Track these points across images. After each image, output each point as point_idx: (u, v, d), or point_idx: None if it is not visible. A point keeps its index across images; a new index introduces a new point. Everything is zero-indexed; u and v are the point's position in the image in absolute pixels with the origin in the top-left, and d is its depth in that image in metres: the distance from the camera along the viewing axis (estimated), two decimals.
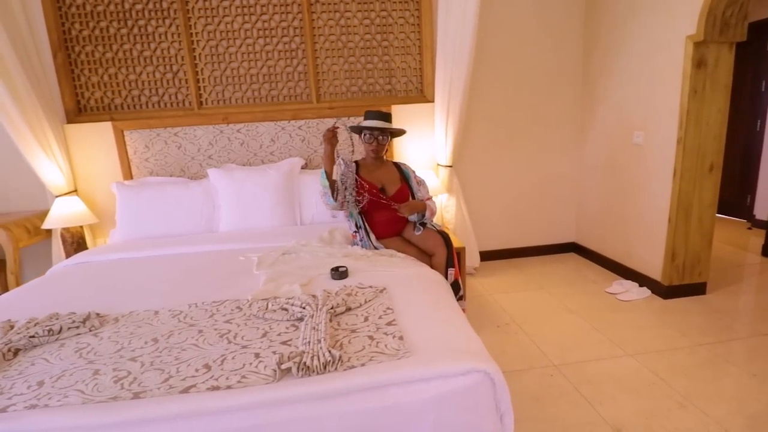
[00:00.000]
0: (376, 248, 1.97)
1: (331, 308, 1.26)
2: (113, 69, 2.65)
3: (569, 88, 3.07)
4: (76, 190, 2.73)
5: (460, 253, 2.44)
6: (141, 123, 2.65)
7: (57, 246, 2.59)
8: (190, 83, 2.70)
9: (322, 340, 1.06)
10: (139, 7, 2.59)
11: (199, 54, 2.68)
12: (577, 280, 2.79)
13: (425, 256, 1.95)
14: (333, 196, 1.90)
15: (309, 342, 1.06)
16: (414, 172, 2.15)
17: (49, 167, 2.52)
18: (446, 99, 2.63)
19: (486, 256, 3.19)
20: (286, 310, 1.30)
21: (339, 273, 1.59)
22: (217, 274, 1.78)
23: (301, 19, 2.70)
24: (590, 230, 3.16)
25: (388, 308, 1.27)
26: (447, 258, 1.86)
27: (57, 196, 2.59)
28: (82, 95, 2.68)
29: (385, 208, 1.95)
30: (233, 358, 1.06)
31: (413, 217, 2.01)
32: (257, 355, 1.06)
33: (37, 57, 2.47)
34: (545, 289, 2.68)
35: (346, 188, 1.90)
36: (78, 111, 2.69)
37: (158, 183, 2.56)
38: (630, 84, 2.62)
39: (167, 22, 2.62)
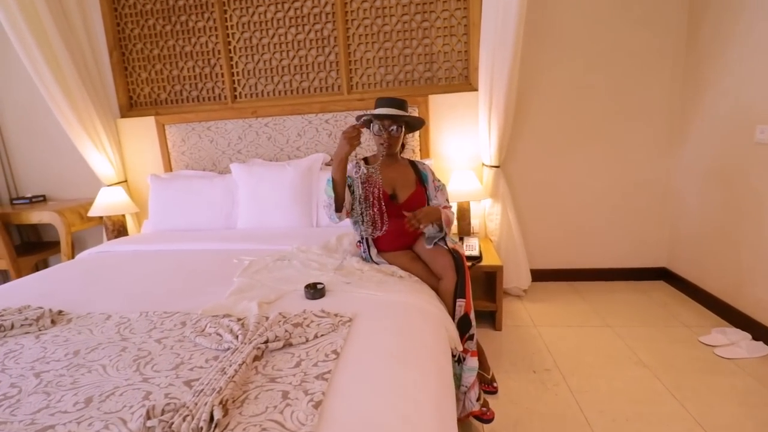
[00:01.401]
0: (376, 263, 1.66)
1: (265, 342, 1.00)
2: (159, 65, 2.73)
3: (663, 69, 2.38)
4: (125, 181, 2.89)
5: (496, 274, 2.01)
6: (179, 117, 2.70)
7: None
8: (225, 76, 2.67)
9: (217, 391, 0.80)
10: (181, 3, 2.62)
11: (234, 47, 2.63)
12: (660, 320, 2.14)
13: (436, 278, 1.59)
14: (339, 210, 1.56)
15: (203, 390, 0.82)
16: (433, 173, 1.79)
17: (99, 159, 2.68)
18: (488, 86, 2.20)
19: (540, 275, 2.66)
20: (220, 335, 1.08)
21: (314, 291, 1.33)
22: (203, 276, 1.65)
23: (333, 4, 2.49)
24: (687, 254, 2.43)
25: (333, 351, 0.97)
26: (456, 285, 1.47)
27: (107, 186, 2.76)
28: (133, 91, 2.81)
29: (392, 216, 1.63)
30: (122, 394, 0.87)
31: (429, 230, 1.65)
32: (147, 396, 0.85)
33: (92, 56, 2.64)
34: (612, 327, 2.09)
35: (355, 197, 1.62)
36: (130, 106, 2.84)
37: (187, 176, 2.57)
38: (754, 60, 1.90)
39: (205, 16, 2.62)
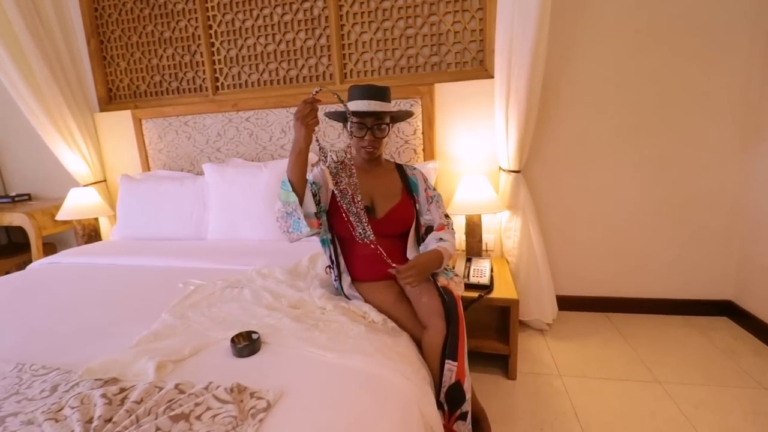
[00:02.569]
0: (347, 297, 1.28)
1: None
2: (138, 54, 2.47)
3: (738, 49, 1.85)
4: (104, 180, 2.65)
5: (510, 308, 1.58)
6: (156, 111, 2.42)
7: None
8: (206, 65, 2.36)
9: None
10: None
11: (215, 31, 2.32)
12: (728, 375, 1.64)
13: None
14: (303, 218, 1.14)
15: None
16: (426, 180, 1.39)
17: (71, 157, 2.45)
18: (506, 71, 1.76)
19: (568, 303, 2.19)
20: (65, 417, 0.74)
21: (243, 347, 0.97)
22: (136, 305, 1.33)
23: None
24: (761, 286, 1.89)
25: None
26: (445, 341, 1.06)
27: (83, 186, 2.53)
28: (112, 83, 2.56)
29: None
30: None
31: (445, 263, 1.28)
32: None
33: (65, 44, 2.40)
34: (664, 383, 1.61)
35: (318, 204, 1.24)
36: (109, 99, 2.59)
37: (158, 178, 2.29)
38: None
39: None
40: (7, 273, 2.27)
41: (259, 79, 2.32)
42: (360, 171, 1.32)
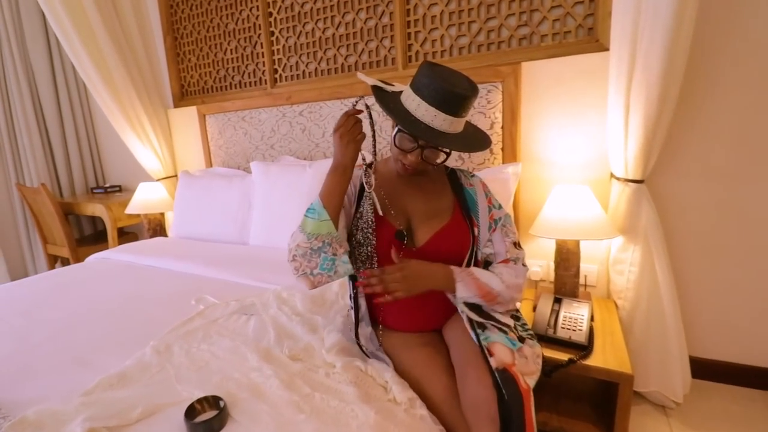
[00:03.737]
0: (366, 353, 0.92)
1: None
2: (206, 48, 2.42)
3: None
4: (175, 176, 2.69)
5: (618, 386, 1.07)
6: (217, 106, 2.35)
7: None
8: (266, 56, 2.20)
9: None
10: None
11: (275, 18, 2.13)
12: None
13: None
14: (341, 254, 0.85)
15: None
16: (489, 192, 0.97)
17: (144, 152, 2.50)
18: (628, 40, 1.21)
19: (708, 370, 1.53)
20: None
21: (197, 426, 0.68)
22: (135, 324, 1.16)
23: None
24: None
25: None
26: None
27: (157, 180, 2.58)
28: (184, 78, 2.57)
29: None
30: None
31: (465, 293, 0.84)
32: None
33: (141, 41, 2.44)
34: None
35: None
36: (181, 95, 2.61)
37: (211, 175, 2.20)
38: None
39: None
40: (77, 261, 2.37)
41: (317, 69, 2.08)
42: (391, 178, 0.95)
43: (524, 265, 0.94)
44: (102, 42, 2.20)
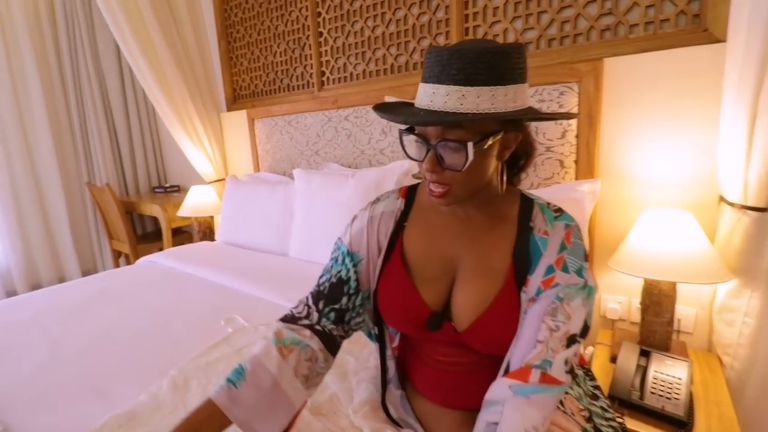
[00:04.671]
0: (395, 422, 0.75)
1: None
2: (257, 51, 2.40)
3: None
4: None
5: None
6: (265, 110, 2.31)
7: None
8: (314, 57, 2.11)
9: None
10: None
11: (324, 18, 2.04)
12: None
13: None
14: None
15: None
16: (567, 250, 0.64)
17: (196, 155, 2.54)
18: (758, 29, 0.91)
19: None
20: None
21: None
22: (161, 347, 1.10)
23: None
24: None
25: None
26: None
27: (209, 183, 2.62)
28: (236, 83, 2.58)
29: (437, 342, 0.71)
30: None
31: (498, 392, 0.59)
32: None
33: (196, 45, 2.47)
34: None
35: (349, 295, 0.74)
36: (234, 99, 2.63)
37: (256, 181, 2.16)
38: None
39: None
40: (136, 258, 2.46)
41: (365, 70, 1.95)
42: (436, 211, 0.73)
43: (556, 381, 0.56)
44: (158, 47, 2.24)
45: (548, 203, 0.69)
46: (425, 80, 0.60)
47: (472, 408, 0.71)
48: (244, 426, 0.61)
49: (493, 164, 0.63)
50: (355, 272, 0.73)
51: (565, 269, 0.61)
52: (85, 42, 2.81)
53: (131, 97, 3.06)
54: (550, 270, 0.62)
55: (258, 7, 2.29)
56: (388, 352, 0.77)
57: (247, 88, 2.53)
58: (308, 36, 2.12)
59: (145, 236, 3.17)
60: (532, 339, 0.59)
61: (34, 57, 2.65)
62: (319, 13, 2.05)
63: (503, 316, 0.63)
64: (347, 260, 0.74)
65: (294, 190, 1.87)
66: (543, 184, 1.41)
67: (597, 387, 0.77)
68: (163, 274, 1.68)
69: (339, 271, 0.74)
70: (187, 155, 2.55)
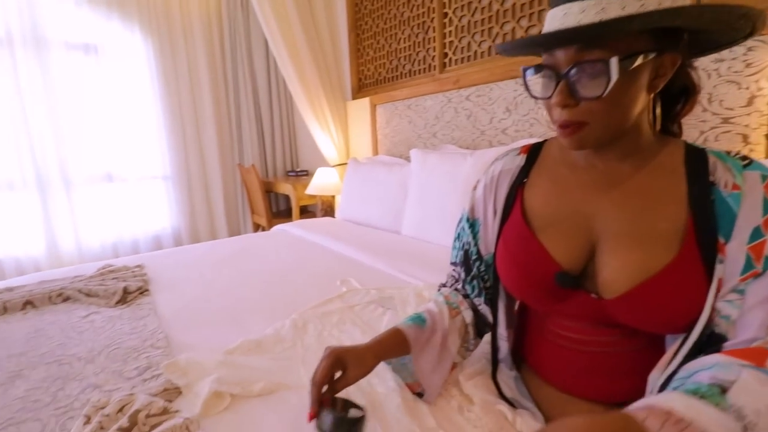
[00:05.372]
0: (508, 401, 0.68)
1: None
2: (381, 40, 2.50)
3: None
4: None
5: None
6: (387, 96, 2.40)
7: None
8: (437, 39, 2.10)
9: None
10: None
11: None
12: None
13: None
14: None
15: None
16: None
17: (324, 139, 2.78)
18: None
19: None
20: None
21: (335, 424, 0.54)
22: (288, 293, 1.22)
23: None
24: None
25: None
26: None
27: (333, 166, 2.86)
28: (362, 72, 2.73)
29: (570, 317, 0.62)
30: None
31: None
32: None
33: (329, 38, 2.69)
34: None
35: (471, 259, 0.72)
36: (359, 88, 2.79)
37: (375, 162, 2.25)
38: None
39: None
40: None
41: (490, 47, 1.86)
42: (567, 167, 0.63)
43: None
44: (299, 42, 2.51)
45: (728, 151, 0.54)
46: (553, 4, 0.52)
47: (603, 400, 0.61)
48: (418, 363, 0.68)
49: (642, 97, 0.52)
50: (475, 239, 0.72)
51: None
52: (243, 47, 3.31)
53: (275, 92, 3.50)
54: (757, 234, 0.49)
55: None
56: (500, 331, 0.70)
57: (371, 76, 2.65)
58: (432, 18, 2.11)
59: (279, 213, 3.61)
60: (760, 322, 0.46)
61: (206, 61, 3.23)
62: None
63: (676, 287, 0.51)
64: (467, 228, 0.73)
65: (410, 170, 1.89)
66: None
67: None
68: (291, 240, 1.89)
69: (464, 241, 0.74)
70: (316, 140, 2.80)
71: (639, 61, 0.47)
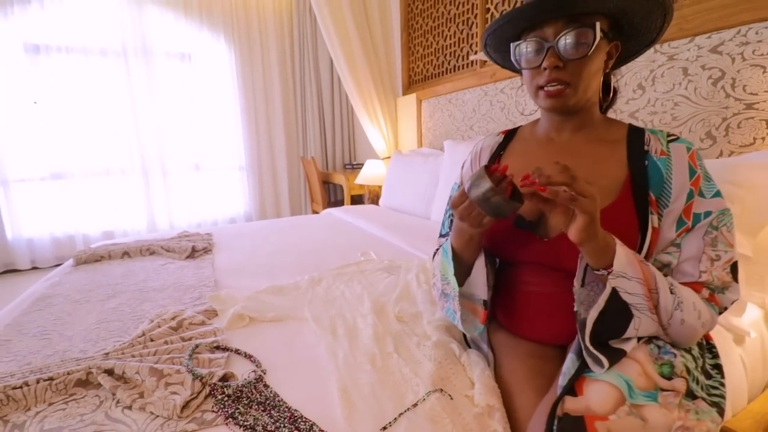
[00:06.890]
0: (467, 342, 0.80)
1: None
2: (430, 38, 2.62)
3: None
4: None
5: None
6: (431, 91, 2.52)
7: None
8: (479, 33, 2.17)
9: None
10: None
11: None
12: None
13: None
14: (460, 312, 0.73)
15: None
16: (698, 172, 0.62)
17: (374, 134, 2.98)
18: None
19: None
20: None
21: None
22: (315, 258, 1.43)
23: None
24: None
25: None
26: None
27: (382, 159, 3.06)
28: (412, 69, 2.88)
29: (530, 263, 0.73)
30: None
31: (625, 267, 0.56)
32: None
33: (382, 37, 2.87)
34: None
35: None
36: (409, 84, 2.94)
37: (415, 154, 2.39)
38: None
39: None
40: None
41: None
42: (536, 144, 0.77)
43: (720, 309, 0.61)
44: (353, 41, 2.73)
45: (660, 130, 0.68)
46: None
47: (549, 342, 0.71)
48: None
49: (600, 73, 0.66)
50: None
51: (704, 193, 0.62)
52: (309, 52, 3.65)
53: (336, 92, 3.80)
54: (688, 195, 0.62)
55: None
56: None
57: (420, 73, 2.79)
58: (476, 15, 2.19)
59: (336, 202, 3.91)
60: (696, 266, 0.61)
61: (277, 65, 3.62)
62: None
63: (612, 225, 0.59)
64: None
65: (443, 160, 2.00)
66: (736, 152, 1.10)
67: (717, 366, 0.62)
68: (333, 221, 2.11)
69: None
70: (367, 134, 3.01)
71: (604, 37, 0.62)
